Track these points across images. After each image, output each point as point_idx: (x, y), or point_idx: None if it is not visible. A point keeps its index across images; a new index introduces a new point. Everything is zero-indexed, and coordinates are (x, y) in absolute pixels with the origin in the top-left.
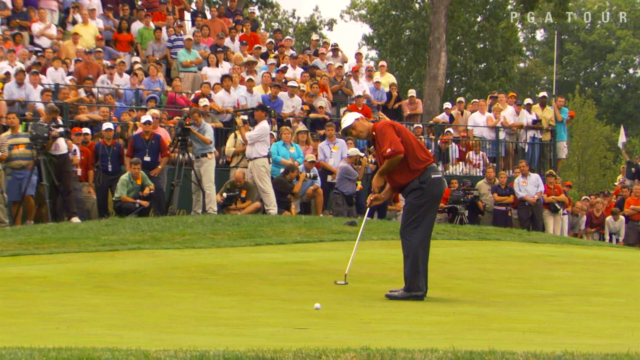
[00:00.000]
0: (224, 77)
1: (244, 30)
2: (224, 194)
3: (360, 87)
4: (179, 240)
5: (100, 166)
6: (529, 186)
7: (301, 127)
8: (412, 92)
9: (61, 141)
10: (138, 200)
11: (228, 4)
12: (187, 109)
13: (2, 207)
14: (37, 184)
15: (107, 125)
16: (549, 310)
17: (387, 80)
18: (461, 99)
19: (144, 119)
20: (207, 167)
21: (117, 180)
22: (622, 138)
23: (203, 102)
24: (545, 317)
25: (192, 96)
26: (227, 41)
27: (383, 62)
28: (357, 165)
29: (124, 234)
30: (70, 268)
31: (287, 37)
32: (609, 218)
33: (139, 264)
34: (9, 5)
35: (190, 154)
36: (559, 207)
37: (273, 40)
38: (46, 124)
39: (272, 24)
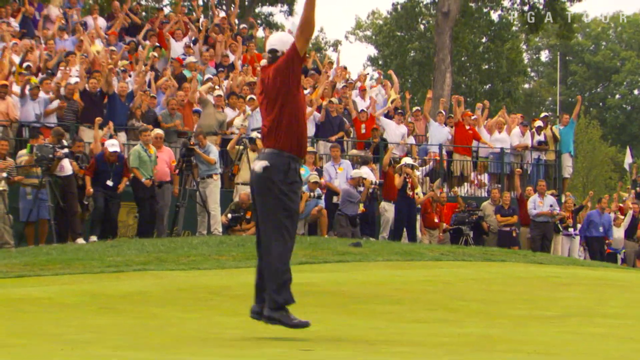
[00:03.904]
0: (231, 95)
1: (248, 50)
2: (229, 215)
3: (365, 103)
4: (184, 262)
5: (100, 181)
6: (545, 207)
7: (309, 148)
8: (416, 108)
9: (66, 162)
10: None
11: (230, 20)
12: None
13: (8, 228)
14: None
15: (113, 147)
16: (555, 332)
17: (393, 95)
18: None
19: (110, 147)
20: (212, 188)
21: (118, 196)
22: (628, 159)
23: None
24: (551, 338)
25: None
26: (231, 58)
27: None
28: (360, 187)
29: (129, 255)
30: (75, 289)
31: None
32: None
33: (144, 285)
34: (14, 25)
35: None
36: (561, 228)
37: None
38: (51, 146)
39: None
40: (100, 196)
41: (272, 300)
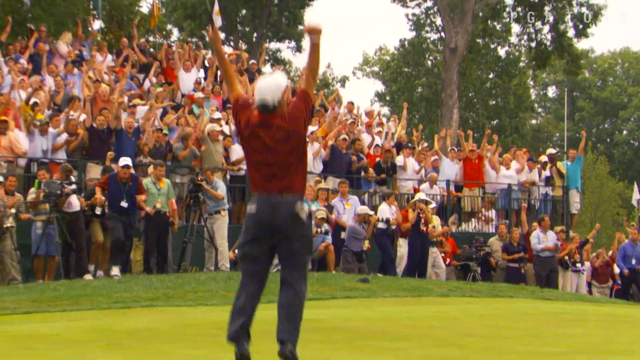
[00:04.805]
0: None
1: None
2: (237, 251)
3: (370, 138)
4: (191, 298)
5: (114, 203)
6: (549, 242)
7: (323, 184)
8: (423, 144)
9: (73, 198)
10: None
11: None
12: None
13: (15, 264)
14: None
15: (124, 161)
16: None
17: (400, 130)
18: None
19: (122, 162)
20: (219, 223)
21: (133, 218)
22: (636, 195)
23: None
24: None
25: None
26: None
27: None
28: (366, 224)
29: (136, 291)
30: (82, 326)
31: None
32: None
33: (151, 321)
34: (22, 61)
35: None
36: (569, 264)
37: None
38: (59, 182)
39: None
40: (118, 224)
41: (297, 337)
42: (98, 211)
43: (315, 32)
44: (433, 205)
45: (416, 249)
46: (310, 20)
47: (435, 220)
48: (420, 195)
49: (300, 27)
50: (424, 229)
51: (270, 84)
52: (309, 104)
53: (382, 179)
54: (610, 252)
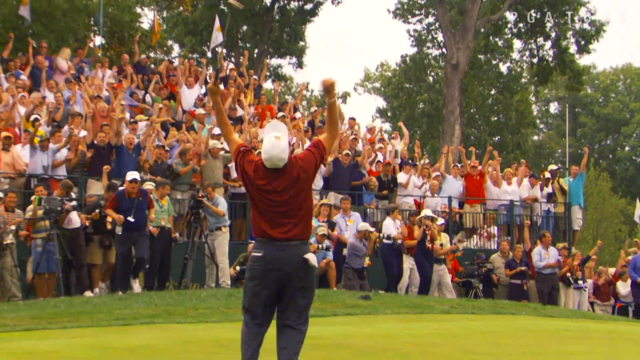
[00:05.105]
0: None
1: (261, 102)
2: (238, 268)
3: (373, 155)
4: (192, 315)
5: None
6: (551, 259)
7: (325, 199)
8: (425, 159)
9: (74, 215)
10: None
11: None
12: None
13: (15, 281)
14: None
15: (131, 175)
16: None
17: (402, 146)
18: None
19: (130, 176)
20: (220, 240)
21: (142, 238)
22: (638, 211)
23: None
24: None
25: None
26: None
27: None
28: (367, 240)
29: (136, 308)
30: (83, 343)
31: (298, 113)
32: (619, 283)
33: (152, 339)
34: (23, 77)
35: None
36: (572, 281)
37: (285, 114)
38: (59, 198)
39: (286, 97)
40: (127, 241)
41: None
42: (119, 231)
43: (330, 89)
44: (441, 222)
45: (421, 266)
46: (325, 79)
47: (444, 238)
48: (426, 212)
49: (302, 43)
50: (430, 245)
51: (277, 153)
52: (322, 154)
53: (384, 195)
54: (613, 270)
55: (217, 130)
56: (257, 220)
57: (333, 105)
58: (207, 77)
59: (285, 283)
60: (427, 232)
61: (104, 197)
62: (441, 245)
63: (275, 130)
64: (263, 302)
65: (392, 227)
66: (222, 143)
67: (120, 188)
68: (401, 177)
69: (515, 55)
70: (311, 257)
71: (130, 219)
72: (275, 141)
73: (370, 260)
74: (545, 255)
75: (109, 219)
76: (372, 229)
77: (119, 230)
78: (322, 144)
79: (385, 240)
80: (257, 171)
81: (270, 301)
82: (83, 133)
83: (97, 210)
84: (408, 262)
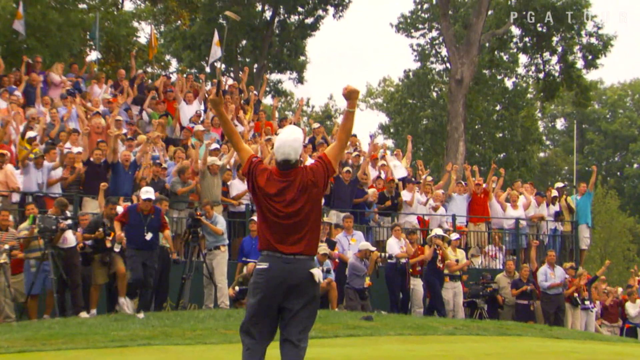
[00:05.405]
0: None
1: (260, 119)
2: (237, 288)
3: (375, 172)
4: (190, 336)
5: (133, 238)
6: (556, 279)
7: (325, 217)
8: (429, 177)
9: (69, 234)
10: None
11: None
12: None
13: (9, 301)
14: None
15: (147, 194)
16: None
17: (405, 163)
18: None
19: (144, 194)
20: (219, 259)
21: (154, 255)
22: None
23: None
24: None
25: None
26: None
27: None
28: (367, 260)
29: (133, 329)
30: None
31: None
32: (628, 304)
33: None
34: (17, 94)
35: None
36: (579, 302)
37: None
38: (54, 217)
39: (286, 112)
40: (138, 263)
41: None
42: (117, 248)
43: (351, 97)
44: (455, 236)
45: (431, 286)
46: (349, 85)
47: (460, 254)
48: (437, 231)
49: (302, 58)
50: (440, 265)
51: (291, 140)
52: (328, 166)
53: (387, 207)
54: (621, 290)
55: (214, 146)
56: (264, 233)
57: (352, 115)
58: (206, 93)
59: (289, 296)
60: (437, 251)
61: (104, 213)
62: (457, 261)
63: (290, 129)
64: (265, 316)
65: (395, 246)
66: (220, 159)
67: (135, 203)
68: (405, 195)
69: (520, 70)
70: (317, 272)
71: (148, 236)
72: (290, 132)
73: (371, 280)
74: (551, 275)
75: (109, 237)
76: (373, 249)
77: (117, 247)
78: (327, 158)
79: (389, 260)
80: (269, 180)
81: (271, 317)
82: (76, 150)
83: (101, 229)
84: (412, 282)
